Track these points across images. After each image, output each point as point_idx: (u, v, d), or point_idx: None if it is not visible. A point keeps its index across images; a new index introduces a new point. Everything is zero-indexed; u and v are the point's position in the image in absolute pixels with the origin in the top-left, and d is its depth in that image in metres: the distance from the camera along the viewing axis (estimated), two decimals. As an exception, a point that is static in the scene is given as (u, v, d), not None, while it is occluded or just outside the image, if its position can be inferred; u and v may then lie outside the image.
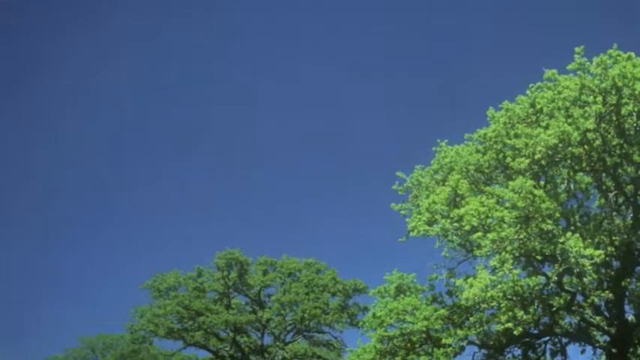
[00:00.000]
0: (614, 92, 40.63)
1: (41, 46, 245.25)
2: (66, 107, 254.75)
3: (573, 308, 46.15)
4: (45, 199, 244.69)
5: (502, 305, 39.77)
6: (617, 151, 42.94)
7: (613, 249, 44.38)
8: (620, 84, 40.09)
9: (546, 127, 41.63)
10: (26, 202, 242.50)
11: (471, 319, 43.98)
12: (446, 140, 49.33)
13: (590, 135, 41.76)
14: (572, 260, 38.31)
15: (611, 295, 44.64)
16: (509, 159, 43.32)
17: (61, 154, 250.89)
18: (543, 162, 42.05)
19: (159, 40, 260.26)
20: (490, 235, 39.13)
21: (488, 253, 40.09)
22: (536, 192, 39.38)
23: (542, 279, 42.92)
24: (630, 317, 47.79)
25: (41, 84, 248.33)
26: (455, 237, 44.21)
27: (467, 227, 40.70)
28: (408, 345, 46.19)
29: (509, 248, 39.29)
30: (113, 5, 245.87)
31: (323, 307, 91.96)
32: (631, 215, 45.12)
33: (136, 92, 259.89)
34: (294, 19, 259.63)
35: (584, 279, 41.29)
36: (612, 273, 46.18)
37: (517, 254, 40.62)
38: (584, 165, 44.10)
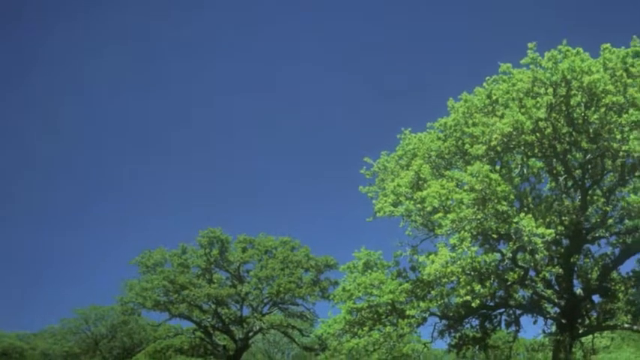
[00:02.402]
0: (563, 84, 40.64)
1: (29, 44, 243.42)
2: (60, 102, 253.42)
3: (526, 282, 46.15)
4: (42, 187, 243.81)
5: (461, 280, 39.60)
6: (567, 139, 42.90)
7: (563, 228, 44.40)
8: (569, 77, 40.11)
9: (502, 117, 41.65)
10: (25, 189, 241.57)
11: (432, 292, 43.78)
12: (410, 128, 49.44)
13: (541, 124, 41.70)
14: (525, 238, 38.25)
15: (561, 270, 44.61)
16: (467, 146, 43.31)
17: (57, 148, 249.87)
18: (499, 148, 42.01)
19: (141, 38, 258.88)
20: (450, 216, 39.01)
21: (449, 232, 39.94)
22: (492, 176, 39.31)
23: (497, 256, 42.80)
24: (578, 291, 47.99)
25: (35, 81, 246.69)
26: (418, 217, 44.02)
27: (429, 208, 40.51)
28: (375, 316, 46.05)
29: (467, 227, 39.18)
30: (92, 6, 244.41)
31: (297, 281, 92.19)
32: (579, 197, 45.24)
33: (125, 87, 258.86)
34: (271, 16, 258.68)
35: (536, 256, 41.11)
36: (562, 250, 46.25)
37: (475, 233, 40.55)
38: (536, 151, 44.09)
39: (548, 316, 49.08)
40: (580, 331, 48.51)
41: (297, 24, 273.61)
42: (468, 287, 39.34)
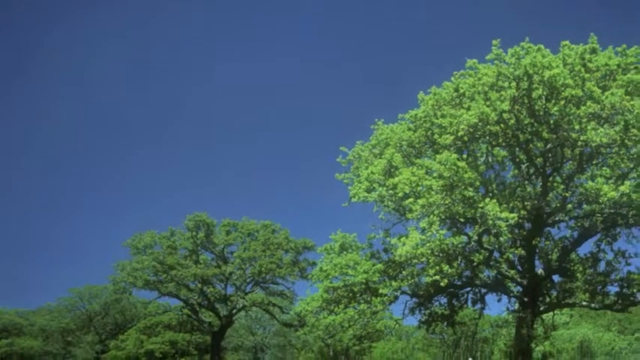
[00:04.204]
0: (526, 79, 40.71)
1: (26, 41, 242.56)
2: (55, 96, 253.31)
3: (491, 263, 46.30)
4: (41, 174, 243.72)
5: (430, 261, 39.61)
6: (529, 129, 42.97)
7: (525, 212, 44.45)
8: (531, 72, 40.22)
9: (468, 109, 41.69)
10: (25, 175, 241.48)
11: (403, 272, 43.81)
12: (382, 120, 49.34)
13: (505, 115, 41.74)
14: (490, 222, 38.36)
15: (523, 252, 44.75)
16: (436, 136, 43.31)
17: (54, 138, 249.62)
18: (465, 138, 41.98)
19: (136, 35, 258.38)
20: (420, 201, 39.05)
21: (419, 216, 39.99)
22: (459, 164, 39.35)
23: (464, 238, 42.85)
24: (540, 271, 48.25)
25: (34, 77, 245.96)
26: (390, 202, 44.06)
27: (400, 194, 40.58)
28: (350, 294, 46.08)
29: (436, 212, 39.19)
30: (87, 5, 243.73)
31: (277, 262, 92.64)
32: (540, 184, 45.32)
33: (116, 79, 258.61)
34: (249, 13, 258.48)
35: (501, 238, 41.24)
36: (524, 233, 46.31)
37: (443, 217, 40.52)
38: (500, 141, 44.14)
39: (511, 294, 49.21)
40: (541, 309, 48.82)
41: (277, 19, 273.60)
42: (437, 267, 39.37)
